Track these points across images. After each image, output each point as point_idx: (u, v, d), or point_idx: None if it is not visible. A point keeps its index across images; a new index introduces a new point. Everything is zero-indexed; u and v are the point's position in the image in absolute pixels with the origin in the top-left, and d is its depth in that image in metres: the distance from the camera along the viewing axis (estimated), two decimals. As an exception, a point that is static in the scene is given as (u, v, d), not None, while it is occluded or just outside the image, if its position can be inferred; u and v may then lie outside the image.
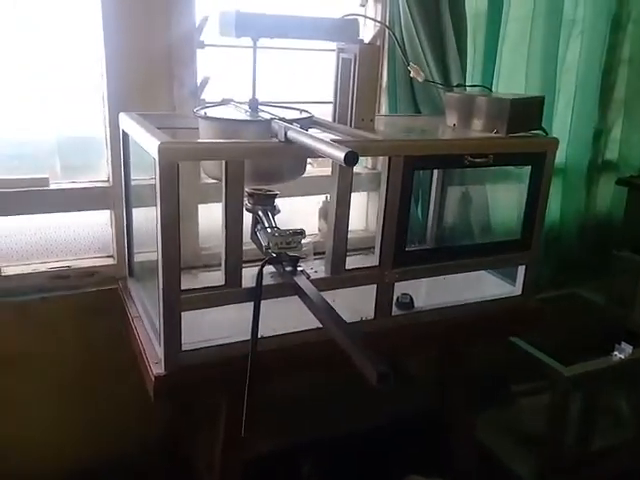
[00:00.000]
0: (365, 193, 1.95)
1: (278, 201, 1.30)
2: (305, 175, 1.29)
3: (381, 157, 1.32)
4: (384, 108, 1.86)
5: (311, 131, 1.19)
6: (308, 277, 1.16)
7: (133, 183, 1.39)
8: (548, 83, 2.06)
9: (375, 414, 1.77)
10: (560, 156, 2.20)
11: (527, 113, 1.45)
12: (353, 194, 1.25)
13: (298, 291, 1.10)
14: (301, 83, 1.78)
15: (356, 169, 1.87)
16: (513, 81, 1.98)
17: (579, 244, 2.33)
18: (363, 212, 1.96)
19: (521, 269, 1.53)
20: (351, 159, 0.89)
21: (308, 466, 1.68)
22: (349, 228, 1.26)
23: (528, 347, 1.76)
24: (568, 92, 2.18)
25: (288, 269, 1.16)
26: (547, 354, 1.74)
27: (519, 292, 1.54)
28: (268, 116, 1.21)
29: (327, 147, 0.95)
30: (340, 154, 0.90)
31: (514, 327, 1.57)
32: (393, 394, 1.88)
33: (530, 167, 1.45)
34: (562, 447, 1.73)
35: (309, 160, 1.82)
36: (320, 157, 1.20)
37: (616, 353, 1.73)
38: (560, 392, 1.63)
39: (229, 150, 1.08)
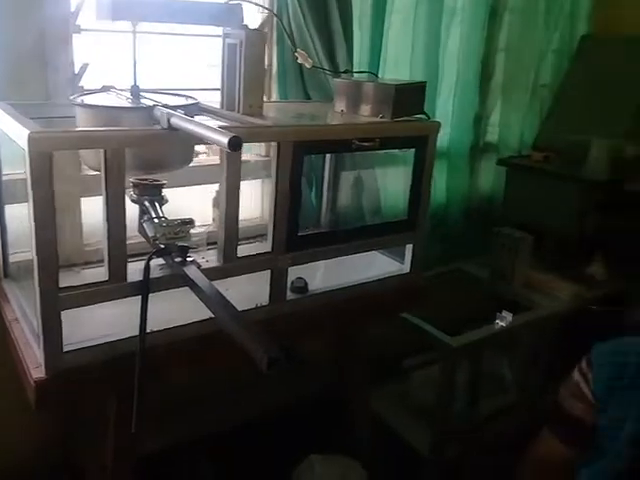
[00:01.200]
0: (260, 181, 1.95)
1: (177, 191, 1.27)
2: (197, 164, 1.27)
3: (272, 143, 1.32)
4: (275, 94, 1.86)
5: (197, 118, 1.16)
6: (199, 267, 1.15)
7: (5, 178, 1.30)
8: (431, 70, 2.15)
9: (275, 398, 1.78)
10: (444, 140, 2.32)
11: (410, 98, 1.51)
12: (249, 182, 1.25)
13: (188, 282, 1.08)
14: (190, 70, 1.74)
15: (249, 157, 1.87)
16: (399, 67, 2.05)
17: (464, 223, 2.48)
18: (259, 200, 1.96)
19: (409, 248, 1.60)
20: (235, 144, 0.89)
21: (204, 459, 1.67)
22: (246, 217, 1.25)
23: (418, 321, 1.85)
24: (450, 78, 2.29)
25: (177, 260, 1.13)
26: (437, 328, 1.84)
27: (407, 270, 1.61)
28: (151, 103, 1.17)
29: (211, 133, 0.94)
30: (224, 139, 0.89)
31: (404, 303, 1.64)
32: (291, 377, 1.91)
33: (414, 150, 1.51)
34: (452, 415, 1.84)
35: (203, 149, 1.79)
36: (207, 144, 1.19)
37: (498, 322, 1.86)
38: (448, 362, 1.73)
39: (107, 138, 1.03)
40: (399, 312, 1.73)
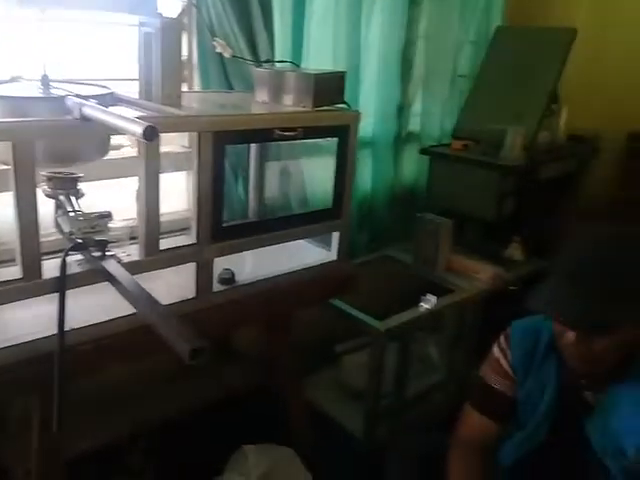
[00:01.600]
0: (185, 173, 1.92)
1: (104, 185, 1.22)
2: (119, 156, 1.24)
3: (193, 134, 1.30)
4: (197, 85, 1.83)
5: (113, 108, 1.13)
6: (119, 261, 1.12)
7: None
8: (353, 58, 2.17)
9: (209, 391, 1.77)
10: (368, 129, 2.36)
11: (331, 88, 1.53)
12: (174, 174, 1.23)
13: (108, 277, 1.06)
14: (111, 61, 1.68)
15: (173, 148, 1.84)
16: (321, 57, 2.05)
17: (390, 210, 2.54)
18: (185, 192, 1.93)
19: (335, 236, 1.63)
20: (150, 134, 0.88)
21: (138, 455, 1.65)
22: (173, 210, 1.23)
23: (347, 307, 1.89)
24: (372, 67, 2.32)
25: (96, 254, 1.10)
26: (367, 313, 1.88)
27: (335, 257, 1.64)
28: (63, 93, 1.13)
29: (125, 123, 0.92)
30: (138, 129, 0.88)
31: (333, 290, 1.67)
32: (223, 369, 1.91)
33: (337, 139, 1.53)
34: (382, 396, 1.89)
35: (126, 141, 1.74)
36: (122, 134, 1.16)
37: (422, 304, 1.92)
38: (377, 345, 1.78)
39: (15, 130, 0.99)
40: (328, 299, 1.76)
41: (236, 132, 1.31)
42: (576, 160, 2.84)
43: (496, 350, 1.35)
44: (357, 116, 1.54)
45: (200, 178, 1.27)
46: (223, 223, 1.34)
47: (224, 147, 1.28)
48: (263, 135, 1.37)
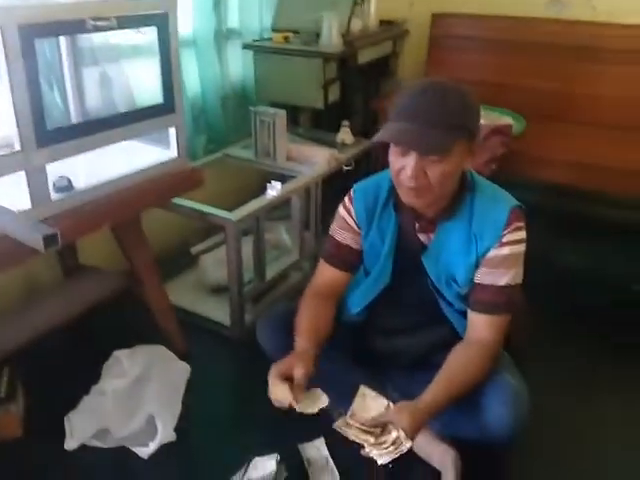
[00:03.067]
0: None
1: None
2: None
3: None
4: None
5: None
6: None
7: None
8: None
9: (66, 310, 1.73)
10: (187, 28, 2.30)
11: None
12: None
13: None
14: None
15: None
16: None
17: (223, 110, 2.54)
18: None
19: (172, 133, 1.62)
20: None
21: (13, 374, 1.59)
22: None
23: (197, 205, 1.91)
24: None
25: None
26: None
27: (175, 154, 1.64)
28: None
29: None
30: None
31: (178, 188, 1.67)
32: (77, 286, 1.87)
33: (157, 30, 1.48)
34: (243, 285, 1.98)
35: None
36: None
37: (269, 192, 2.00)
38: (231, 236, 1.84)
39: None
40: (174, 197, 1.76)
41: (45, 24, 1.22)
42: (390, 43, 3.02)
43: (341, 209, 1.48)
44: (174, 2, 1.50)
45: (13, 79, 1.19)
46: (47, 127, 1.27)
47: (33, 41, 1.20)
48: (75, 26, 1.29)
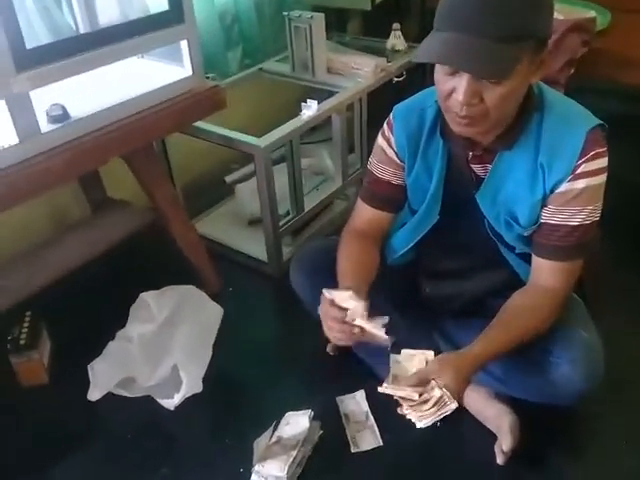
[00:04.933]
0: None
1: None
2: None
3: None
4: None
5: None
6: None
7: None
8: None
9: (90, 247, 1.62)
10: None
11: None
12: None
13: None
14: None
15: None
16: None
17: (259, 19, 2.25)
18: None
19: (185, 46, 1.40)
20: None
21: (28, 328, 1.51)
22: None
23: (220, 130, 1.71)
24: None
25: None
26: (247, 134, 1.71)
27: (190, 72, 1.42)
28: None
29: None
30: None
31: (195, 111, 1.46)
32: (101, 221, 1.75)
33: None
34: (281, 217, 1.80)
35: None
36: None
37: (304, 112, 1.76)
38: (261, 164, 1.64)
39: None
40: (191, 122, 1.56)
41: None
42: None
43: (380, 139, 1.25)
44: None
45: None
46: (25, 45, 1.08)
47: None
48: None
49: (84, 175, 1.60)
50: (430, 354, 1.09)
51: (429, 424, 1.01)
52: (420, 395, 1.01)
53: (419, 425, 1.01)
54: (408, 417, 1.02)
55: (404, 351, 1.10)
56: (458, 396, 1.01)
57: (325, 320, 1.11)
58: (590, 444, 1.30)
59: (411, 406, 1.01)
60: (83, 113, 1.25)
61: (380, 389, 1.04)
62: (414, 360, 1.09)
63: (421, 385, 1.02)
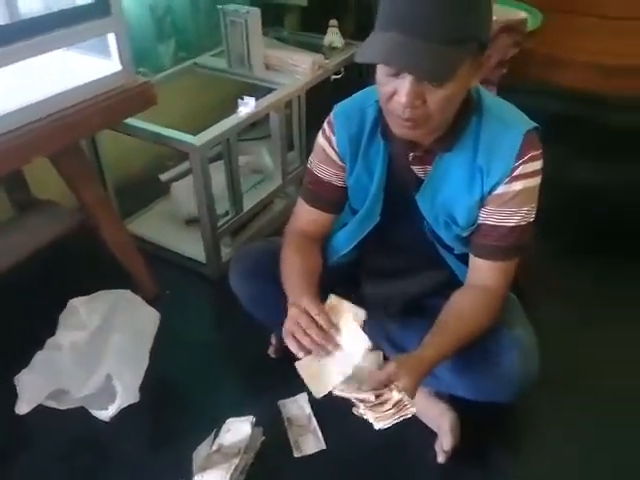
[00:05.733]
0: None
1: None
2: None
3: None
4: None
5: None
6: None
7: None
8: None
9: (15, 250, 1.52)
10: None
11: None
12: None
13: None
14: None
15: None
16: None
17: (193, 10, 2.18)
18: None
19: (112, 39, 1.33)
20: None
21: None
22: None
23: (151, 127, 1.64)
24: None
25: None
26: (182, 131, 1.65)
27: (119, 67, 1.35)
28: None
29: None
30: None
31: (121, 109, 1.39)
32: (26, 222, 1.65)
33: None
34: (219, 217, 1.76)
35: None
36: None
37: (241, 109, 1.72)
38: (197, 162, 1.58)
39: None
40: (121, 119, 1.49)
41: None
42: None
43: (320, 138, 1.23)
44: None
45: None
46: None
47: None
48: None
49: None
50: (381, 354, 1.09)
51: (388, 425, 1.00)
52: (377, 397, 1.00)
53: (377, 426, 1.00)
54: (365, 417, 1.00)
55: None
56: (412, 397, 1.01)
57: (299, 321, 1.07)
58: (528, 438, 1.35)
59: (368, 407, 1.00)
60: (2, 110, 1.17)
61: (335, 392, 1.03)
62: (368, 357, 1.08)
63: (379, 387, 1.01)
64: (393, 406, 0.99)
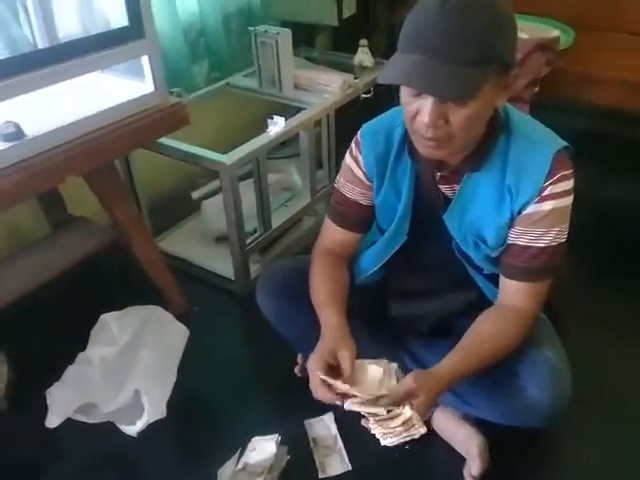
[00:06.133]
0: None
1: None
2: None
3: None
4: None
5: None
6: None
7: None
8: None
9: (49, 267, 1.56)
10: None
11: None
12: None
13: None
14: None
15: None
16: None
17: (226, 33, 2.23)
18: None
19: (146, 61, 1.36)
20: None
21: None
22: None
23: (182, 146, 1.67)
24: None
25: None
26: (213, 150, 1.68)
27: (152, 88, 1.39)
28: None
29: None
30: None
31: (154, 129, 1.42)
32: (59, 239, 1.69)
33: None
34: (248, 234, 1.77)
35: None
36: None
37: (271, 128, 1.74)
38: (227, 181, 1.61)
39: None
40: (154, 139, 1.52)
41: None
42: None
43: (348, 158, 1.23)
44: None
45: None
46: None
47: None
48: None
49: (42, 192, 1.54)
50: (394, 366, 1.07)
51: (394, 443, 0.99)
52: (388, 411, 0.99)
53: (383, 443, 0.99)
54: (373, 432, 0.99)
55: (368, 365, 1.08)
56: (423, 415, 0.99)
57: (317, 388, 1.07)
58: (560, 464, 1.30)
59: (377, 420, 0.99)
60: (39, 131, 1.21)
61: (346, 406, 1.02)
62: (380, 373, 1.07)
63: (398, 402, 1.00)
64: (403, 424, 0.97)
